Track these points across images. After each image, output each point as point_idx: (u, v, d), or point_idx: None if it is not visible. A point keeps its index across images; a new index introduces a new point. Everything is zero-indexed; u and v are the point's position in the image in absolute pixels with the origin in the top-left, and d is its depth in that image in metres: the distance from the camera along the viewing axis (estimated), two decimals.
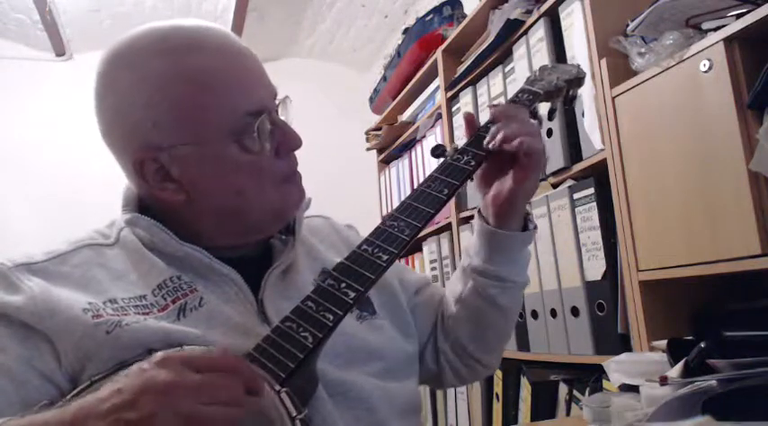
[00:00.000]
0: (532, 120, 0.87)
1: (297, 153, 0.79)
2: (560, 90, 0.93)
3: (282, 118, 0.78)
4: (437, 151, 0.85)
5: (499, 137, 0.80)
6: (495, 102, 1.65)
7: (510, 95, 0.91)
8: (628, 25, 1.17)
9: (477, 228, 0.86)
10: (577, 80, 0.94)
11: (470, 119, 0.86)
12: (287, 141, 0.76)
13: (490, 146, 0.81)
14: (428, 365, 0.90)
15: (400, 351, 0.82)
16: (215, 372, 0.51)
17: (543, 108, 0.92)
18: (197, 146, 0.72)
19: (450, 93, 1.95)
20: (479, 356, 0.91)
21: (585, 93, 1.29)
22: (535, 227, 0.87)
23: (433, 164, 0.85)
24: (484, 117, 0.87)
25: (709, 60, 0.98)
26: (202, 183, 0.73)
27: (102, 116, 0.75)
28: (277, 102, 0.78)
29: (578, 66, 0.96)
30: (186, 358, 0.52)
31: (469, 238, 0.91)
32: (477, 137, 0.83)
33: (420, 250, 2.20)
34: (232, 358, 0.54)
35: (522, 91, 0.91)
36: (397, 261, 0.75)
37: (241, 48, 0.75)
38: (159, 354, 0.52)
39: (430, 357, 0.91)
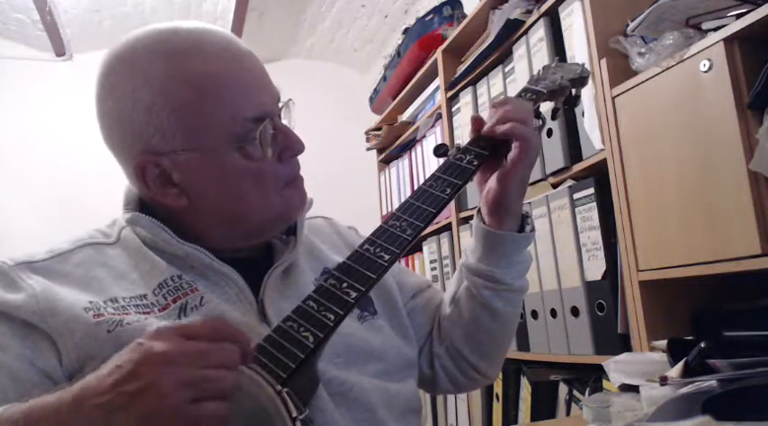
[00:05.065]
0: (535, 119, 0.86)
1: None
2: (564, 89, 0.92)
3: (285, 121, 0.78)
4: (440, 150, 0.84)
5: (494, 118, 0.81)
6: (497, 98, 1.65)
7: (510, 95, 0.90)
8: (628, 25, 1.17)
9: (474, 227, 0.86)
10: (581, 79, 0.94)
11: (477, 121, 0.85)
12: (289, 146, 0.76)
13: (484, 129, 0.81)
14: (422, 369, 0.89)
15: (399, 353, 0.82)
16: (209, 338, 0.52)
17: (546, 108, 0.92)
18: (199, 152, 0.71)
19: (450, 93, 1.95)
20: (474, 361, 0.89)
21: (585, 93, 1.29)
22: (533, 230, 0.85)
23: (433, 164, 0.85)
24: (485, 116, 0.87)
25: (709, 60, 0.98)
26: (204, 189, 0.73)
27: (103, 120, 0.75)
28: (280, 105, 0.77)
29: (582, 65, 0.96)
30: (180, 327, 0.53)
31: (469, 238, 0.90)
32: (480, 136, 0.83)
33: (420, 250, 2.20)
34: (223, 323, 0.56)
35: (525, 90, 0.90)
36: (397, 262, 0.74)
37: (243, 51, 0.74)
38: (152, 328, 0.53)
39: (424, 361, 0.89)
